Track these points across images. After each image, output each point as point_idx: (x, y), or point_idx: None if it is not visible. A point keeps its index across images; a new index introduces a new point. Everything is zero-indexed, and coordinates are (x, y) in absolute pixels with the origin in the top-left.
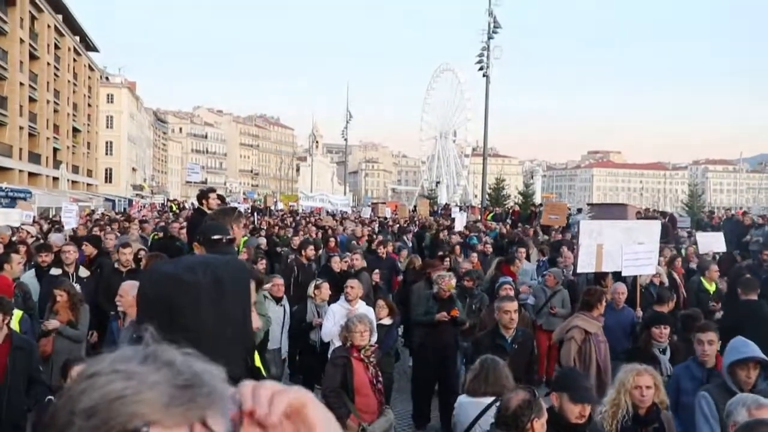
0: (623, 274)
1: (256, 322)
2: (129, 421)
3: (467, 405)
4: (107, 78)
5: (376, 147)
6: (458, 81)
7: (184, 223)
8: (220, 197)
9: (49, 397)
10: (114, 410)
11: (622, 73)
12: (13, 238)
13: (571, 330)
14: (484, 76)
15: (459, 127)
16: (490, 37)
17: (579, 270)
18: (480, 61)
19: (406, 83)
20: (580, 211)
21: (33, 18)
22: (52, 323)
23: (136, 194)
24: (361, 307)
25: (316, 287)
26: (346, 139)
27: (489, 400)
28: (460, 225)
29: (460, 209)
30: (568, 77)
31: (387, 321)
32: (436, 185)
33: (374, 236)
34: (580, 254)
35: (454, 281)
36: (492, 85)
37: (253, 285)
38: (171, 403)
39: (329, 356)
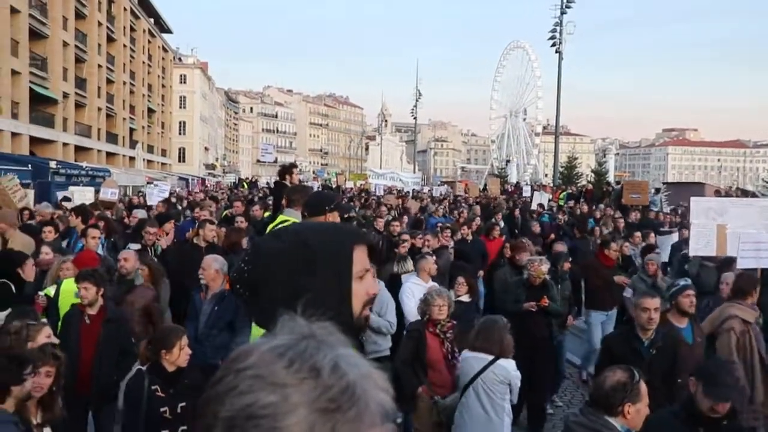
0: (739, 266)
1: (372, 286)
2: None
3: (470, 359)
4: (180, 59)
5: (445, 126)
6: (529, 58)
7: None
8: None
9: (139, 367)
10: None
11: (698, 48)
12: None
13: (728, 320)
14: (556, 52)
15: (529, 105)
16: (563, 12)
17: (692, 253)
18: (552, 37)
19: (476, 61)
20: (658, 191)
21: (110, 1)
22: None
23: (209, 173)
24: (432, 283)
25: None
26: (415, 118)
27: (490, 357)
28: (539, 203)
29: (533, 189)
30: (641, 53)
31: (465, 298)
32: (506, 164)
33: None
34: (693, 235)
35: (546, 266)
36: (564, 61)
37: (361, 251)
38: None
39: (405, 329)
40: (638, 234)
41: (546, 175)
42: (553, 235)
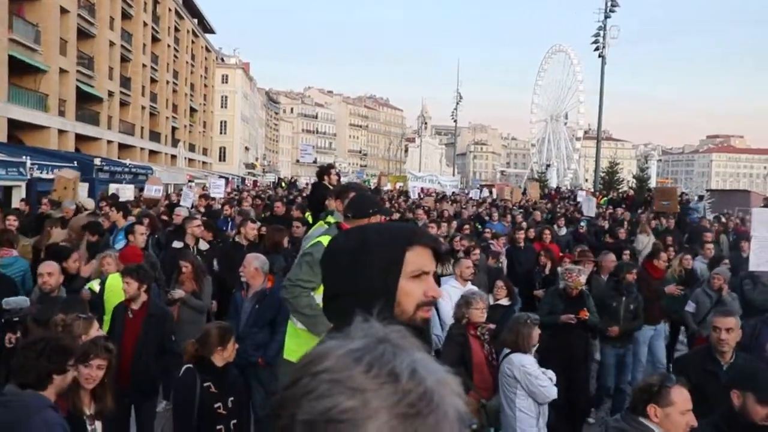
0: None
1: (432, 289)
2: None
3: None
4: (222, 59)
5: (485, 129)
6: (571, 62)
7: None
8: (337, 174)
9: (187, 365)
10: None
11: (745, 54)
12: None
13: None
14: (599, 56)
15: (570, 110)
16: (606, 16)
17: (753, 268)
18: (595, 41)
19: (517, 65)
20: (701, 198)
21: (155, 2)
22: (178, 293)
23: (249, 172)
24: (471, 286)
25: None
26: (455, 121)
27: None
28: (588, 210)
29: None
30: (686, 58)
31: (505, 302)
32: (546, 168)
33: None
34: (754, 250)
35: (584, 277)
36: (606, 65)
37: (419, 251)
38: None
39: (446, 333)
40: (709, 246)
41: (586, 180)
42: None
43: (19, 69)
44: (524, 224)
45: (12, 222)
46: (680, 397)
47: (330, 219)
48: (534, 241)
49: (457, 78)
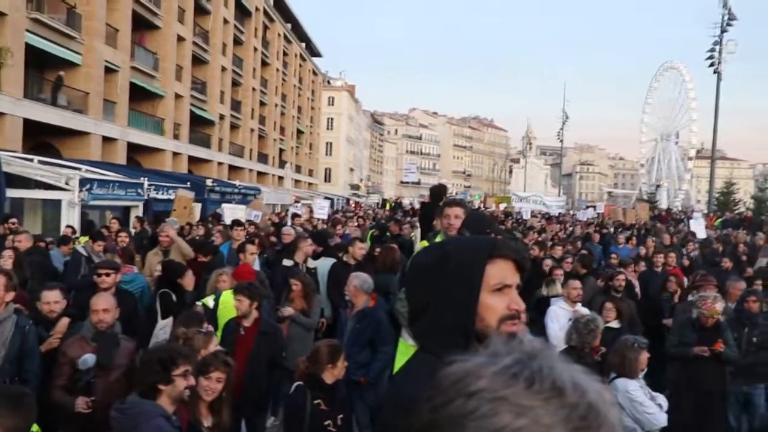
0: None
1: (515, 302)
2: None
3: None
4: (329, 82)
5: (591, 149)
6: (683, 79)
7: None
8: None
9: (298, 383)
10: None
11: None
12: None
13: None
14: (714, 72)
15: (682, 128)
16: (723, 31)
17: None
18: (710, 57)
19: (624, 83)
20: None
21: (265, 27)
22: (288, 310)
23: (353, 193)
24: (581, 308)
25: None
26: (561, 141)
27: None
28: (700, 233)
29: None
30: None
31: (615, 324)
32: (656, 189)
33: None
34: None
35: (720, 305)
36: (722, 81)
37: (501, 264)
38: None
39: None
40: None
41: (698, 201)
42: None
43: (138, 95)
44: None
45: (123, 239)
46: None
47: (438, 239)
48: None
49: (563, 97)
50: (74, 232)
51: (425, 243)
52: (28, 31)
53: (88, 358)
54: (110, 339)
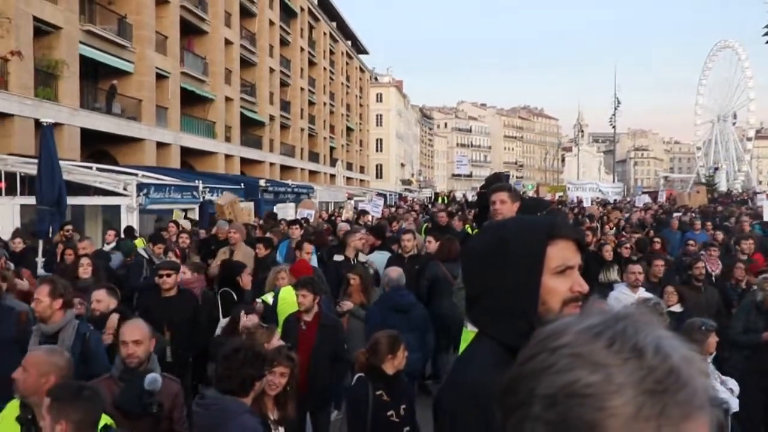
0: None
1: (578, 284)
2: (588, 429)
3: None
4: (376, 78)
5: (645, 134)
6: (738, 58)
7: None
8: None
9: (359, 374)
10: (574, 411)
11: None
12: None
13: None
14: None
15: (739, 108)
16: None
17: None
18: (767, 33)
19: (677, 66)
20: None
21: (311, 27)
22: (346, 305)
23: (405, 189)
24: (643, 293)
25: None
26: (614, 127)
27: None
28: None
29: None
30: None
31: (677, 308)
32: (714, 172)
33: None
34: None
35: None
36: None
37: (562, 245)
38: (638, 416)
39: None
40: None
41: (760, 183)
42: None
43: (189, 99)
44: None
45: (184, 240)
46: None
47: None
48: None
49: (614, 82)
50: (117, 234)
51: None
52: (81, 42)
53: (156, 379)
54: (138, 382)
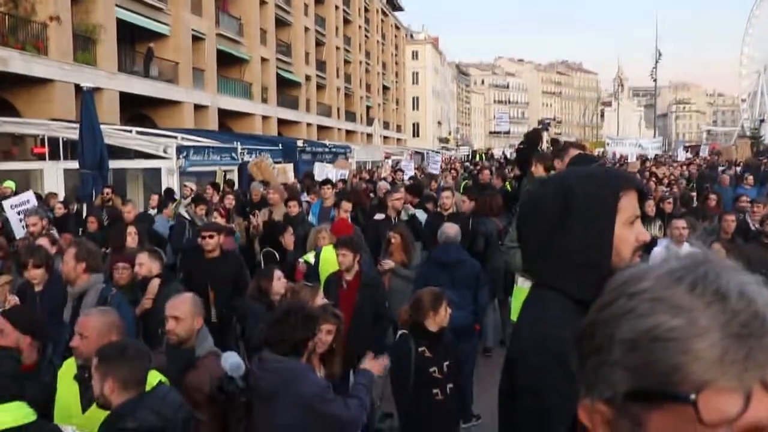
0: None
1: (642, 233)
2: (672, 372)
3: None
4: (412, 36)
5: (687, 87)
6: None
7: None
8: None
9: (402, 330)
10: (656, 354)
11: None
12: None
13: None
14: None
15: None
16: None
17: None
18: None
19: (723, 15)
20: None
21: None
22: (388, 263)
23: (442, 147)
24: (688, 248)
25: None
26: (655, 80)
27: None
28: None
29: None
30: None
31: None
32: (760, 124)
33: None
34: None
35: None
36: None
37: (630, 196)
38: (724, 359)
39: None
40: None
41: None
42: None
43: (225, 61)
44: None
45: (230, 201)
46: None
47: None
48: None
49: (656, 33)
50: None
51: None
52: (118, 6)
53: (239, 365)
54: (180, 358)
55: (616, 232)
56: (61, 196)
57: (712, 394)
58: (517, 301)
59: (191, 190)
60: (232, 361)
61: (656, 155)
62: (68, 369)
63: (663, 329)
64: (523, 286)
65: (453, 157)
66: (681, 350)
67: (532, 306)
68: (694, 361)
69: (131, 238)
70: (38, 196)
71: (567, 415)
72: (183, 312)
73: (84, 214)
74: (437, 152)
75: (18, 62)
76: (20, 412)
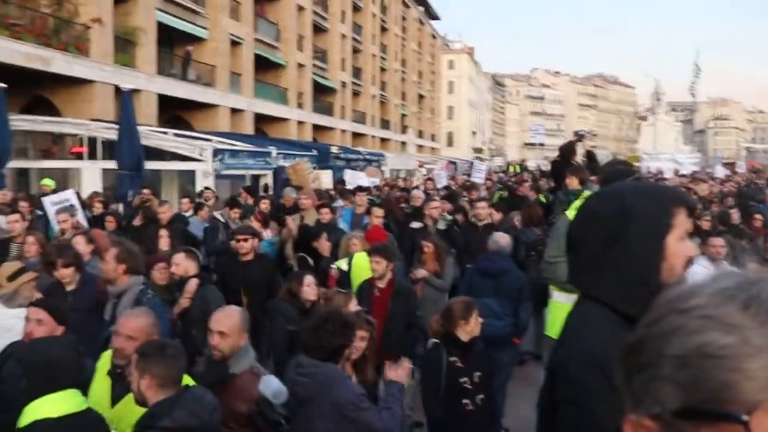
0: None
1: (690, 249)
2: (722, 390)
3: None
4: (448, 45)
5: (726, 103)
6: None
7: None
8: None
9: (434, 340)
10: (707, 371)
11: None
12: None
13: None
14: None
15: None
16: None
17: None
18: None
19: (763, 31)
20: None
21: None
22: (420, 272)
23: (476, 157)
24: (727, 267)
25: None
26: (693, 95)
27: None
28: None
29: None
30: None
31: None
32: None
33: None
34: None
35: None
36: None
37: (683, 213)
38: None
39: None
40: None
41: None
42: None
43: (262, 66)
44: None
45: (267, 206)
46: None
47: (579, 200)
48: None
49: (695, 49)
50: (192, 201)
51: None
52: (158, 9)
53: (281, 391)
54: (213, 373)
55: (671, 248)
56: None
57: (764, 415)
58: (551, 316)
59: (212, 193)
60: (274, 387)
61: (694, 171)
62: (104, 363)
63: (714, 347)
64: (558, 300)
65: (489, 168)
66: (733, 368)
67: (578, 318)
68: (747, 380)
69: (164, 241)
70: (79, 196)
71: (609, 429)
72: (229, 327)
73: (122, 214)
74: (482, 160)
75: (60, 62)
76: (76, 399)
